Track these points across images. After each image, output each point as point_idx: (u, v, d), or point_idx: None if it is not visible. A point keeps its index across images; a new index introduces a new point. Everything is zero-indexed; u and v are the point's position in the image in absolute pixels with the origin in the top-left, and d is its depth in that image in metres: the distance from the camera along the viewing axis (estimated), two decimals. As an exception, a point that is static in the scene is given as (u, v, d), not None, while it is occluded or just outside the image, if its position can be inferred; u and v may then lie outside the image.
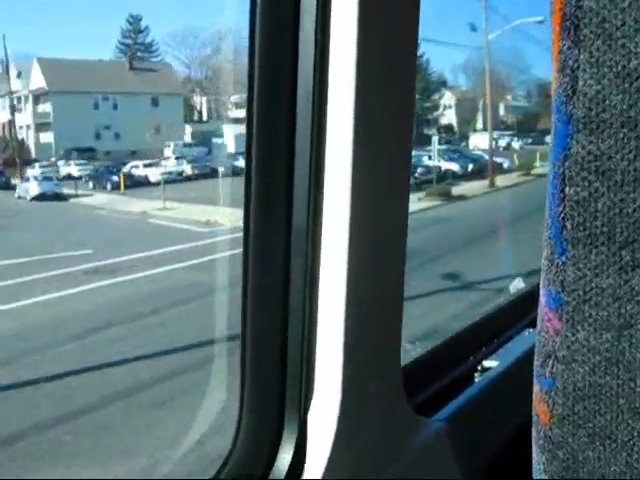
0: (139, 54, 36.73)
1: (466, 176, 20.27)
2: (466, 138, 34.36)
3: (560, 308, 0.45)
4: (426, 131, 39.99)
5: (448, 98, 41.04)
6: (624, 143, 0.41)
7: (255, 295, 1.03)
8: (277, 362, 1.04)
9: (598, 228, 0.42)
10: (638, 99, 0.40)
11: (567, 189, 0.43)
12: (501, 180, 20.69)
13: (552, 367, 0.46)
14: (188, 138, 30.30)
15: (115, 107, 26.76)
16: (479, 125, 39.95)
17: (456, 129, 39.45)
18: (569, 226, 0.43)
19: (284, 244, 1.01)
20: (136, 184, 16.11)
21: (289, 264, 1.02)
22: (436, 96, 41.74)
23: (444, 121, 41.00)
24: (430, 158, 19.61)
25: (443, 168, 19.25)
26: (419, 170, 17.15)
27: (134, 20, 38.70)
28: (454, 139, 36.37)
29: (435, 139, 19.05)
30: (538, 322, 0.47)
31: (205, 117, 34.43)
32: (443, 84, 41.59)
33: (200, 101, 34.92)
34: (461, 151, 22.54)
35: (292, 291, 1.02)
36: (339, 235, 0.98)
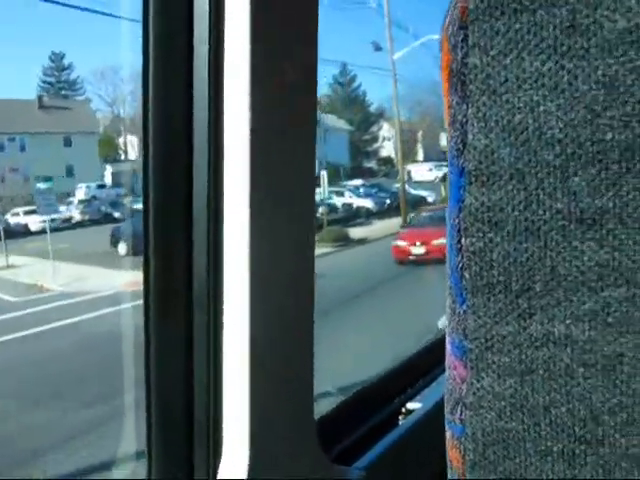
0: (63, 92, 35.84)
1: (381, 213, 19.16)
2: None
3: (464, 356, 0.46)
4: (366, 164, 39.56)
5: (387, 130, 40.73)
6: (514, 194, 0.43)
7: (157, 351, 1.00)
8: (183, 422, 1.02)
9: (495, 277, 0.44)
10: (524, 152, 0.43)
11: (463, 240, 0.45)
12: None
13: (461, 413, 0.47)
14: (108, 178, 29.10)
15: (23, 148, 25.39)
16: (419, 156, 39.51)
17: (394, 160, 38.91)
18: (467, 276, 0.45)
19: (185, 297, 1.00)
20: (9, 235, 14.60)
21: (192, 317, 1.00)
22: (374, 128, 41.49)
23: (384, 153, 40.57)
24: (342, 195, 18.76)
25: (355, 205, 18.15)
26: (320, 209, 15.94)
27: (57, 57, 37.92)
28: (392, 171, 35.83)
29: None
30: (446, 369, 0.49)
31: (132, 156, 33.39)
32: (381, 115, 41.24)
33: (124, 140, 33.94)
34: (380, 185, 21.36)
35: (195, 345, 1.00)
36: (241, 285, 0.97)
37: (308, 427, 1.16)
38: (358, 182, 23.20)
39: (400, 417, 1.54)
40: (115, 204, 18.83)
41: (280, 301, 1.05)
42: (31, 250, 13.28)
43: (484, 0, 0.44)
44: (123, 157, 33.10)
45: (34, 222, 15.14)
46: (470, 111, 0.44)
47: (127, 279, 9.88)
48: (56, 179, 23.99)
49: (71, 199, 19.52)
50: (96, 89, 34.76)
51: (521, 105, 0.43)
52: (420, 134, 38.72)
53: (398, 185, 24.50)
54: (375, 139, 40.82)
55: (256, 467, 1.03)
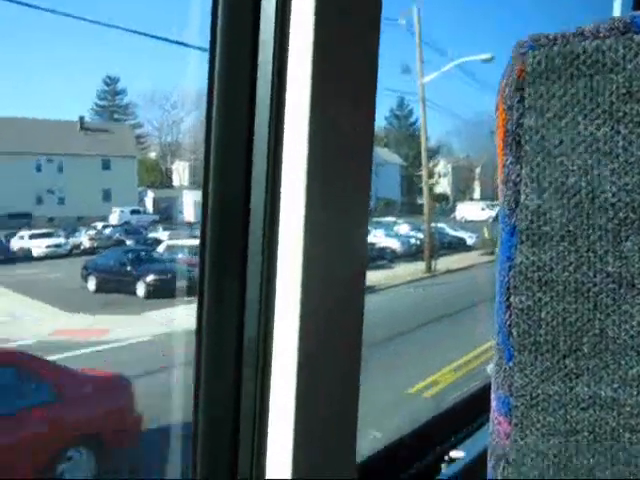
0: (116, 116, 36.11)
1: (409, 255, 17.83)
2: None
3: (509, 412, 0.47)
4: (419, 200, 38.45)
5: (443, 166, 39.54)
6: (564, 255, 0.44)
7: (208, 367, 1.05)
8: (228, 442, 1.05)
9: (542, 336, 0.45)
10: (576, 214, 0.44)
11: (512, 298, 0.46)
12: (450, 261, 18.36)
13: (503, 470, 0.47)
14: (150, 203, 28.82)
15: (60, 170, 25.26)
16: (476, 194, 38.13)
17: (450, 198, 37.58)
18: (515, 333, 0.46)
19: (237, 312, 1.04)
20: (9, 259, 14.03)
21: (242, 356, 1.03)
22: (430, 164, 40.36)
23: (439, 189, 39.33)
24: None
25: (379, 245, 17.01)
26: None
27: (111, 81, 38.39)
28: (445, 209, 34.54)
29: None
30: (490, 424, 0.49)
31: (176, 182, 33.18)
32: (437, 151, 40.08)
33: (169, 165, 33.81)
34: (414, 223, 20.09)
35: (243, 387, 1.04)
36: (290, 335, 0.99)
37: (349, 470, 1.15)
38: (390, 219, 22.01)
39: (443, 465, 1.53)
40: (132, 231, 18.19)
41: (326, 344, 1.06)
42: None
43: (541, 64, 0.45)
44: (167, 182, 32.87)
45: (38, 247, 14.56)
46: (524, 171, 0.45)
47: (61, 325, 9.01)
48: (92, 202, 23.74)
49: (97, 224, 19.01)
50: (145, 113, 34.55)
51: (575, 168, 0.44)
52: (478, 171, 37.21)
53: (439, 225, 23.22)
54: (430, 175, 39.60)
55: None
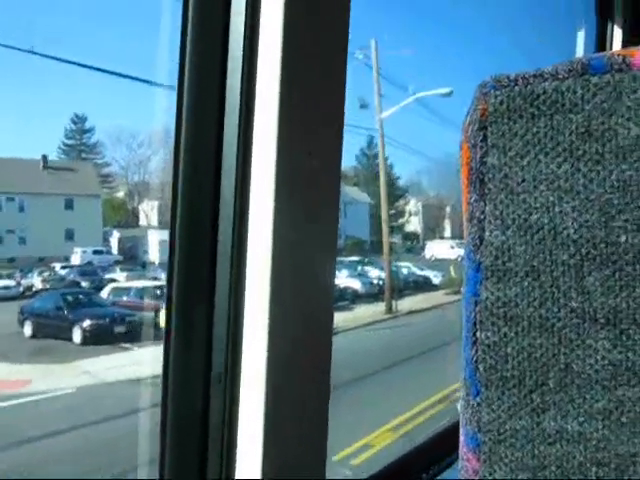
0: (84, 155, 35.78)
1: (370, 296, 17.45)
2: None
3: (477, 448, 0.47)
4: (391, 239, 38.34)
5: (413, 204, 39.55)
6: (529, 291, 0.45)
7: (176, 369, 1.04)
8: (197, 442, 1.04)
9: (509, 371, 0.46)
10: (540, 250, 0.45)
11: (478, 333, 0.47)
12: (414, 301, 18.03)
13: None
14: (115, 243, 28.37)
15: (22, 209, 24.82)
16: (447, 233, 38.13)
17: (420, 236, 37.50)
18: (482, 369, 0.47)
19: (206, 309, 1.03)
20: None
21: (211, 330, 1.03)
22: (401, 202, 40.38)
23: (410, 228, 39.28)
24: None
25: (341, 286, 16.56)
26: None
27: (79, 120, 38.12)
28: (416, 247, 34.42)
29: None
30: (459, 460, 0.50)
31: (143, 222, 32.78)
32: (407, 190, 40.14)
33: (136, 205, 33.43)
34: (376, 262, 19.66)
35: (212, 395, 1.03)
36: (261, 318, 1.00)
37: (319, 470, 1.14)
38: (355, 258, 21.65)
39: None
40: (87, 273, 17.72)
41: (293, 383, 1.06)
42: None
43: (503, 103, 0.46)
44: (133, 222, 32.46)
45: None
46: (488, 208, 0.46)
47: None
48: (54, 242, 23.25)
49: (55, 264, 18.56)
50: (111, 152, 34.29)
51: (537, 205, 0.45)
52: (448, 209, 37.26)
53: (405, 263, 22.93)
54: (400, 214, 39.50)
55: None
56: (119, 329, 10.98)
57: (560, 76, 0.45)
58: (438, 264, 24.05)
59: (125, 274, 18.11)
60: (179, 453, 1.06)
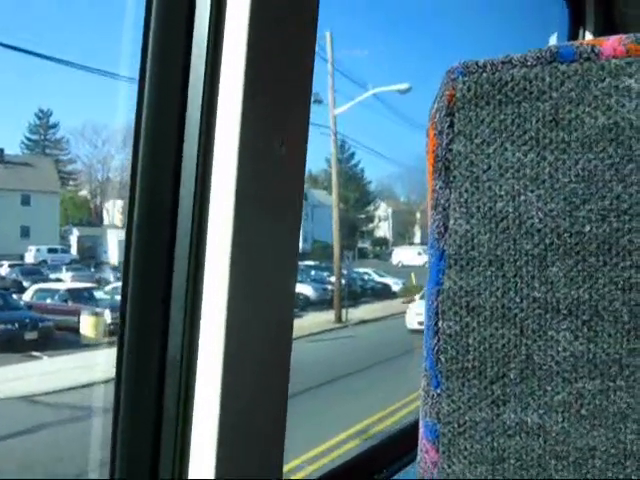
0: (48, 151, 35.09)
1: (323, 302, 16.81)
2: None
3: (437, 440, 0.47)
4: (360, 244, 38.01)
5: (383, 209, 39.30)
6: (492, 280, 0.45)
7: (129, 366, 1.04)
8: (149, 441, 1.03)
9: (470, 362, 0.46)
10: (504, 239, 0.45)
11: (440, 323, 0.47)
12: (368, 310, 17.40)
13: None
14: (74, 242, 27.76)
15: (-25, 205, 24.15)
16: (416, 239, 37.87)
17: (390, 242, 37.21)
18: (443, 359, 0.47)
19: (162, 306, 1.02)
20: None
21: (167, 337, 1.02)
22: (371, 207, 40.12)
23: (379, 234, 39.00)
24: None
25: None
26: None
27: (44, 115, 37.39)
28: (384, 253, 34.11)
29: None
30: (418, 452, 0.50)
31: (107, 221, 32.17)
32: (378, 195, 39.86)
33: (98, 203, 32.82)
34: (331, 268, 18.93)
35: (168, 367, 1.02)
36: (218, 316, 1.00)
37: (275, 471, 1.14)
38: (309, 262, 21.09)
39: None
40: (30, 272, 17.09)
41: (251, 374, 1.07)
42: None
43: (471, 90, 0.46)
44: (96, 221, 31.83)
45: None
46: (453, 196, 0.46)
47: None
48: (9, 240, 22.55)
49: (3, 262, 17.97)
50: (74, 149, 33.66)
51: (502, 193, 0.45)
52: (418, 215, 37.02)
53: (365, 269, 22.48)
54: (370, 219, 39.19)
55: None
56: (30, 335, 10.37)
57: (529, 63, 0.45)
58: (404, 270, 23.67)
59: (71, 274, 17.50)
60: (131, 452, 1.06)
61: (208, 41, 0.99)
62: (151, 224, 1.03)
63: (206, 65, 0.99)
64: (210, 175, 1.00)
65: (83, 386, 8.33)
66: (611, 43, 0.44)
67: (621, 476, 0.43)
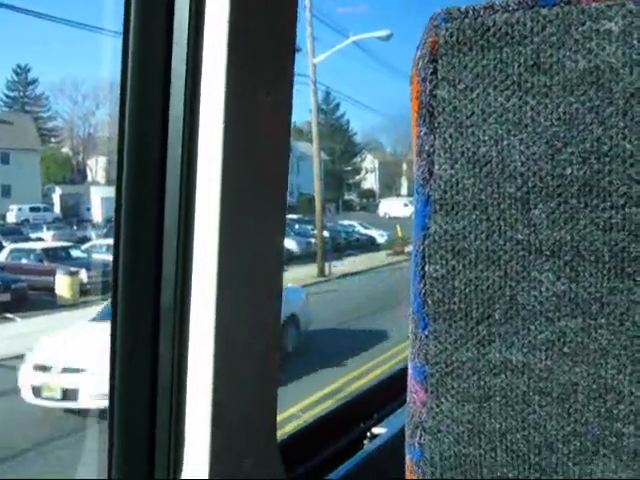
0: (27, 108, 34.48)
1: (307, 256, 16.55)
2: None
3: (425, 380, 0.49)
4: (347, 196, 37.84)
5: (370, 161, 39.05)
6: (476, 224, 0.46)
7: (122, 366, 1.05)
8: (144, 440, 1.05)
9: (456, 304, 0.47)
10: (487, 184, 0.45)
11: (427, 267, 0.48)
12: (352, 263, 17.08)
13: (420, 437, 0.49)
14: (57, 200, 27.47)
15: (-48, 164, 23.83)
16: (404, 190, 37.75)
17: (377, 194, 37.07)
18: (430, 302, 0.48)
19: (153, 301, 1.03)
20: None
21: (158, 334, 1.04)
22: (357, 159, 39.85)
23: (366, 185, 38.83)
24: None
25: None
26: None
27: (22, 71, 36.67)
28: (371, 205, 33.99)
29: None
30: (408, 394, 0.51)
31: (89, 178, 31.81)
32: (364, 146, 39.55)
33: (81, 160, 32.41)
34: (313, 221, 18.64)
35: (160, 359, 1.04)
36: (207, 312, 1.02)
37: (271, 446, 1.19)
38: (294, 216, 20.89)
39: (365, 442, 1.55)
40: (9, 232, 16.88)
41: (242, 323, 1.09)
42: None
43: (453, 36, 0.47)
44: (78, 178, 31.47)
45: None
46: (437, 142, 0.47)
47: None
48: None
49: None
50: (53, 104, 33.12)
51: (486, 138, 0.46)
52: (404, 167, 36.83)
53: (349, 222, 22.36)
54: (356, 170, 38.98)
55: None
56: (2, 297, 10.15)
57: (510, 8, 0.46)
58: (390, 222, 23.55)
59: (52, 233, 17.31)
60: (127, 452, 1.07)
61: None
62: (140, 181, 1.05)
63: (189, 19, 1.00)
64: (197, 128, 1.02)
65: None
66: None
67: (602, 410, 0.45)
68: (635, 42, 0.43)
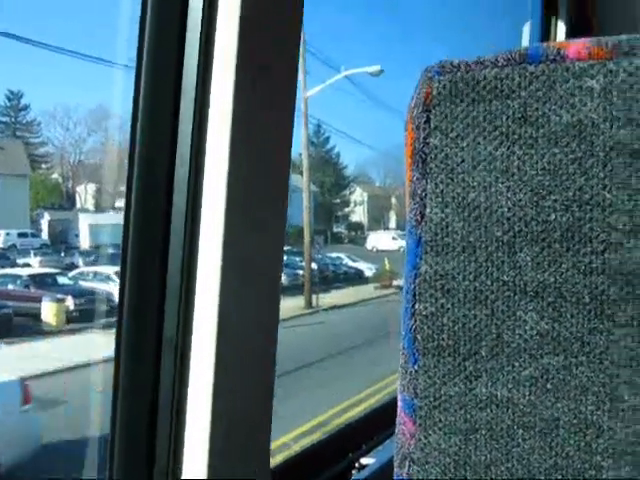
0: (18, 134, 34.44)
1: (295, 288, 16.53)
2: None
3: (414, 413, 0.51)
4: (335, 228, 37.88)
5: (359, 194, 39.15)
6: (465, 265, 0.48)
7: (125, 368, 1.08)
8: (145, 442, 1.08)
9: (445, 340, 0.49)
10: (476, 227, 0.48)
11: (417, 304, 0.50)
12: (340, 295, 17.02)
13: (408, 468, 0.51)
14: (45, 226, 27.30)
15: (-59, 188, 23.71)
16: (392, 223, 37.81)
17: (365, 226, 37.12)
18: (419, 338, 0.50)
19: (157, 306, 1.07)
20: None
21: (161, 338, 1.06)
22: (347, 192, 39.95)
23: (355, 218, 38.89)
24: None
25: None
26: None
27: (14, 96, 36.68)
28: (359, 237, 34.01)
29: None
30: (397, 425, 0.53)
31: (79, 205, 31.72)
32: (354, 179, 39.69)
33: (70, 186, 32.34)
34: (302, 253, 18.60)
35: (162, 368, 1.06)
36: (208, 339, 1.04)
37: (263, 472, 1.20)
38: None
39: (353, 472, 1.58)
40: (-1, 257, 16.77)
41: (242, 351, 1.11)
42: None
43: (446, 88, 0.50)
44: (67, 204, 31.38)
45: None
46: (429, 186, 0.50)
47: None
48: (-25, 225, 22.05)
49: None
50: (45, 131, 33.08)
51: (475, 184, 0.48)
52: (394, 200, 36.89)
53: (337, 254, 22.36)
54: (345, 203, 39.02)
55: None
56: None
57: (500, 64, 0.49)
58: (378, 256, 23.53)
59: (39, 259, 17.18)
60: (128, 453, 1.08)
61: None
62: (148, 201, 1.07)
63: (201, 28, 1.03)
64: (204, 142, 1.05)
65: (38, 376, 8.11)
66: (575, 46, 0.47)
67: (582, 444, 0.46)
68: (615, 99, 0.46)
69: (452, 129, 0.49)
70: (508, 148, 0.47)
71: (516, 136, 0.47)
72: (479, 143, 0.48)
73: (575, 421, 0.46)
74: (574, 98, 0.46)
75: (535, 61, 0.48)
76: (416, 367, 0.50)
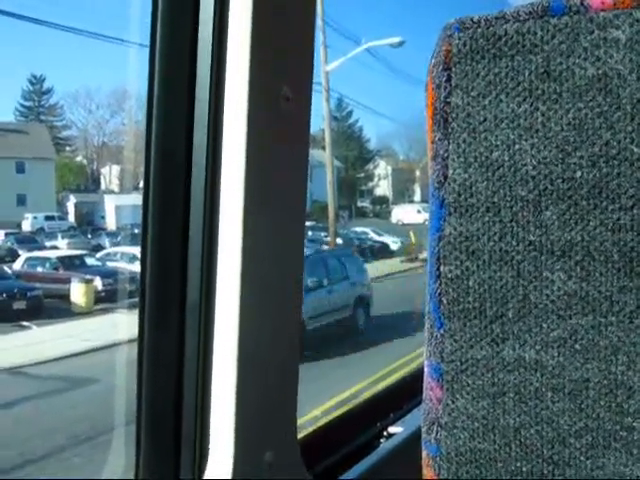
0: (42, 117, 34.72)
1: None
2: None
3: (441, 378, 0.50)
4: (360, 203, 37.81)
5: (383, 168, 39.01)
6: (489, 226, 0.48)
7: (150, 360, 1.08)
8: (171, 431, 1.09)
9: (470, 303, 0.48)
10: (500, 187, 0.47)
11: (442, 267, 0.49)
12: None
13: (437, 433, 0.51)
14: (71, 209, 27.60)
15: (-31, 173, 23.99)
16: (417, 196, 37.65)
17: (390, 200, 37.00)
18: (445, 301, 0.49)
19: (179, 304, 1.07)
20: None
21: (184, 332, 1.07)
22: (370, 166, 39.81)
23: (379, 192, 38.78)
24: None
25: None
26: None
27: (37, 81, 36.93)
28: (384, 211, 33.92)
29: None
30: (424, 391, 0.52)
31: (104, 186, 31.99)
32: (377, 153, 39.51)
33: (95, 168, 32.60)
34: (327, 228, 18.64)
35: (186, 360, 1.07)
36: (231, 310, 1.05)
37: (291, 442, 1.21)
38: (308, 223, 20.89)
39: (382, 440, 1.58)
40: (25, 240, 16.98)
41: (267, 321, 1.12)
42: None
43: (467, 45, 0.49)
44: (92, 187, 31.64)
45: None
46: (451, 147, 0.49)
47: None
48: (5, 208, 22.35)
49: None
50: (68, 114, 33.30)
51: (498, 143, 0.47)
52: (418, 173, 36.70)
53: (363, 229, 22.30)
54: (369, 177, 38.90)
55: (240, 475, 1.08)
56: (18, 305, 10.23)
57: (521, 18, 0.48)
58: (403, 229, 23.44)
59: (67, 241, 17.39)
60: (153, 453, 1.10)
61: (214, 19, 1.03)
62: (167, 193, 1.07)
63: (213, 30, 1.03)
64: (222, 128, 1.04)
65: (71, 355, 8.31)
66: None
67: (613, 405, 0.46)
68: None
69: (473, 87, 0.48)
70: (531, 104, 0.46)
71: (539, 92, 0.46)
72: (501, 100, 0.47)
73: (605, 382, 0.46)
74: (599, 50, 0.45)
75: (558, 13, 0.46)
76: (442, 331, 0.50)
